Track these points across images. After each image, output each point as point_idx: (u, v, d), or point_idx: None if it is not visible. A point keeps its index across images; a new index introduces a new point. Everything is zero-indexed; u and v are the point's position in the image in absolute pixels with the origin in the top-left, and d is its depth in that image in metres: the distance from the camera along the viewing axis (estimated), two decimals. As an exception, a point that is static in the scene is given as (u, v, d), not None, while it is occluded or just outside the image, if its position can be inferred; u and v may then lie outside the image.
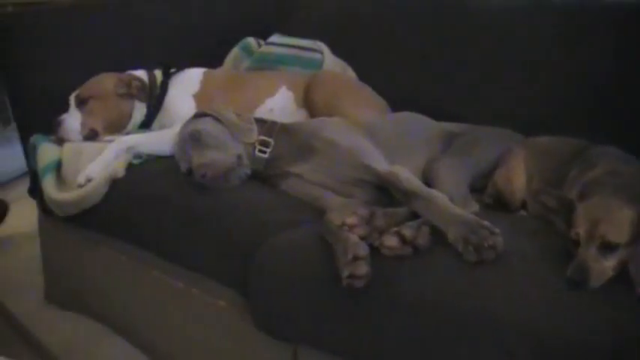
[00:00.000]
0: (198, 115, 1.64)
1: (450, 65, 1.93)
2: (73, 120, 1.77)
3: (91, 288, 1.93)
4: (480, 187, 1.51)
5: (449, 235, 1.14)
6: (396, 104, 1.93)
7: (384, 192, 1.42)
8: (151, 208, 1.56)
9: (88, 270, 1.90)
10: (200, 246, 1.45)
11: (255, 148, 1.58)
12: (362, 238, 1.16)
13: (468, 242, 1.09)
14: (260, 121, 1.65)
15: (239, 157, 1.53)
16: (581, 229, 1.06)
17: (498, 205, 1.45)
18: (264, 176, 1.57)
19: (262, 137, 1.58)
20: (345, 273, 1.09)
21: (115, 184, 1.64)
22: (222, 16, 2.27)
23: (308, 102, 1.84)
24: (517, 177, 1.43)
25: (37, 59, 1.89)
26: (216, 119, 1.60)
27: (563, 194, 1.18)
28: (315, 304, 1.19)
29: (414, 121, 1.72)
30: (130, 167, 1.68)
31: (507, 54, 1.85)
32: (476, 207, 1.32)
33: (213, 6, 2.27)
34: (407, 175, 1.35)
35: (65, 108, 1.85)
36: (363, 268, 1.09)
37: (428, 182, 1.41)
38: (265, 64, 2.08)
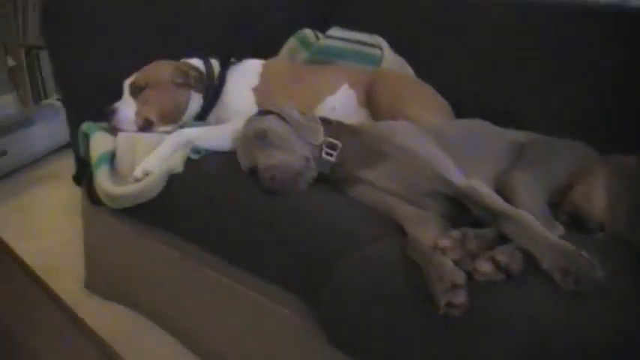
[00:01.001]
0: (262, 113, 1.57)
1: (514, 67, 1.86)
2: (127, 108, 1.71)
3: (136, 279, 1.89)
4: (553, 201, 1.45)
5: (544, 263, 1.08)
6: (456, 105, 1.87)
7: (456, 203, 1.36)
8: (214, 208, 1.50)
9: (134, 261, 1.85)
10: (269, 251, 1.39)
11: (322, 150, 1.51)
12: (454, 262, 1.10)
13: (566, 273, 1.04)
14: (324, 121, 1.59)
15: (307, 159, 1.47)
16: None
17: (574, 223, 1.38)
18: (329, 180, 1.51)
19: (329, 139, 1.52)
20: (443, 301, 1.03)
21: (172, 178, 1.58)
22: (277, 3, 2.19)
23: (371, 102, 1.77)
24: (598, 197, 1.36)
25: (87, 44, 1.80)
26: (282, 118, 1.54)
27: None
28: (397, 325, 1.13)
29: (482, 129, 1.65)
30: (187, 162, 1.61)
31: (574, 58, 1.77)
32: (561, 229, 1.26)
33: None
34: (487, 191, 1.29)
35: (116, 95, 1.78)
36: (461, 297, 1.04)
37: (503, 197, 1.35)
38: (324, 57, 2.01)
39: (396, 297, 1.15)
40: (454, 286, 1.04)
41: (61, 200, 2.71)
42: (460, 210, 1.36)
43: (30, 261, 1.94)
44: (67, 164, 2.96)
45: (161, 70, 1.75)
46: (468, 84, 1.92)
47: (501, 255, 1.09)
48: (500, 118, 1.76)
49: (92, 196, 1.80)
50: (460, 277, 1.05)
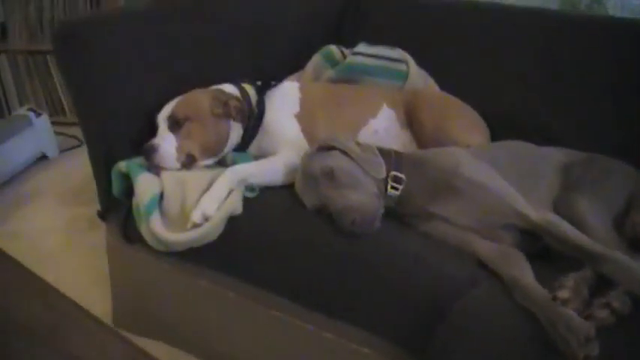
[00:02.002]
0: (322, 148, 1.53)
1: (542, 82, 1.88)
2: (168, 145, 1.61)
3: (177, 318, 1.82)
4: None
5: None
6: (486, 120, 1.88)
7: (527, 233, 1.38)
8: (286, 250, 1.46)
9: (176, 300, 1.78)
10: (360, 298, 1.37)
11: (386, 184, 1.49)
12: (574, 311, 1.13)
13: None
14: (382, 152, 1.56)
15: (378, 196, 1.44)
16: None
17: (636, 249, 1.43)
18: (395, 214, 1.49)
19: (394, 173, 1.50)
20: (581, 355, 1.05)
21: (231, 219, 1.52)
22: (294, 18, 2.12)
23: (414, 123, 1.76)
24: None
25: (108, 72, 1.68)
26: (344, 153, 1.50)
27: None
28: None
29: (527, 151, 1.66)
30: (244, 201, 1.55)
31: (606, 74, 1.81)
32: None
33: (286, 7, 2.11)
34: (568, 227, 1.33)
35: (145, 128, 1.70)
36: (596, 349, 1.06)
37: (570, 222, 1.38)
38: (350, 74, 1.97)
39: (515, 344, 1.15)
40: (587, 340, 1.06)
41: (54, 222, 2.57)
42: (532, 239, 1.38)
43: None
44: (47, 178, 2.84)
45: (200, 101, 1.66)
46: (495, 99, 1.93)
47: (617, 302, 1.13)
48: (531, 134, 1.80)
49: (127, 236, 1.72)
50: (592, 331, 1.07)
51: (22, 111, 3.01)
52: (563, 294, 1.15)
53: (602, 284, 1.21)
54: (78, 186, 2.82)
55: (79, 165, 2.73)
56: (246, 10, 2.02)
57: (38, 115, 3.01)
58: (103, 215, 1.82)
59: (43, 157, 3.11)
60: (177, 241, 1.50)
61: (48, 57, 3.30)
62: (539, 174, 1.57)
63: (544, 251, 1.37)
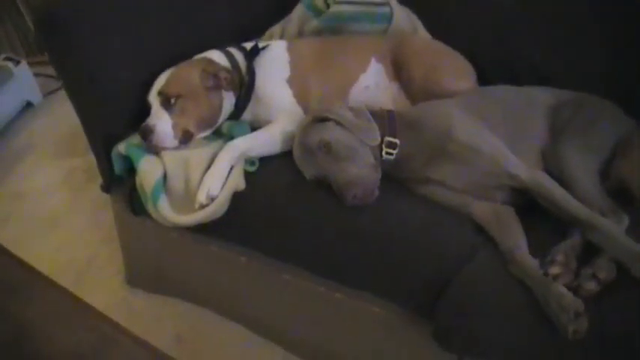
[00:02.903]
0: (317, 119, 1.56)
1: (532, 21, 1.86)
2: (164, 124, 1.62)
3: (191, 279, 1.92)
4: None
5: (633, 271, 1.21)
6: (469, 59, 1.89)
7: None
8: (292, 223, 1.53)
9: (188, 265, 1.88)
10: (368, 268, 1.45)
11: (381, 149, 1.54)
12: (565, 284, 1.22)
13: None
14: (374, 114, 1.58)
15: (375, 166, 1.49)
16: None
17: (620, 195, 1.47)
18: (393, 177, 1.55)
19: (388, 138, 1.54)
20: (570, 329, 1.16)
21: (236, 195, 1.57)
22: None
23: (402, 75, 1.77)
24: None
25: (95, 51, 1.66)
26: (339, 123, 1.53)
27: None
28: (515, 344, 1.26)
29: (515, 97, 1.69)
30: (246, 175, 1.60)
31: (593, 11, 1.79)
32: (627, 220, 1.36)
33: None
34: (555, 189, 1.40)
35: (135, 103, 1.70)
36: (585, 323, 1.16)
37: (557, 176, 1.45)
38: (336, 23, 1.95)
39: (516, 312, 1.26)
40: (577, 315, 1.17)
41: (53, 178, 2.61)
42: (523, 194, 1.45)
43: (53, 263, 1.93)
44: (36, 129, 2.84)
45: (189, 76, 1.66)
46: (482, 40, 1.91)
47: (602, 272, 1.23)
48: (521, 75, 1.82)
49: (134, 209, 1.78)
50: (581, 306, 1.17)
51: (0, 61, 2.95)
52: (554, 270, 1.24)
53: (590, 248, 1.30)
54: (68, 134, 2.83)
55: (65, 111, 2.70)
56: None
57: (17, 63, 2.96)
58: (107, 189, 1.86)
59: (28, 105, 3.08)
60: (186, 223, 1.56)
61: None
62: (529, 122, 1.61)
63: (535, 202, 1.44)
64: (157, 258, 1.94)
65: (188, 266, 1.88)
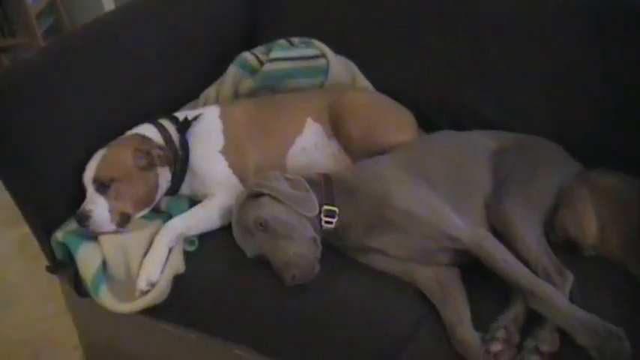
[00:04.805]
0: (252, 195, 1.53)
1: (473, 63, 1.86)
2: (100, 209, 1.59)
3: (144, 355, 1.89)
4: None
5: (578, 339, 1.21)
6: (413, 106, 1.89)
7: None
8: (234, 304, 1.51)
9: (141, 341, 1.85)
10: (311, 350, 1.43)
11: (320, 220, 1.51)
12: None
13: (602, 352, 1.17)
14: (310, 182, 1.56)
15: (315, 239, 1.47)
16: None
17: (566, 245, 1.48)
18: (333, 246, 1.53)
19: (327, 207, 1.52)
20: None
21: (178, 279, 1.55)
22: (207, 32, 2.04)
23: (341, 134, 1.75)
24: (588, 223, 1.46)
25: (32, 138, 1.63)
26: (275, 198, 1.51)
27: None
28: None
29: (456, 145, 1.68)
30: (186, 256, 1.58)
31: (532, 52, 1.79)
32: (571, 277, 1.35)
33: (196, 22, 2.02)
34: (497, 250, 1.38)
35: (72, 186, 1.67)
36: None
37: (501, 232, 1.44)
38: (271, 81, 1.93)
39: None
40: None
41: (6, 248, 2.55)
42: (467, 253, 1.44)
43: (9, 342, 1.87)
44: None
45: (122, 157, 1.63)
46: (423, 84, 1.92)
47: (544, 345, 1.22)
48: (463, 119, 1.81)
49: (80, 290, 1.74)
50: None
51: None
52: (495, 347, 1.23)
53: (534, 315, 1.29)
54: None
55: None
56: (157, 36, 1.95)
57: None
58: (52, 270, 1.82)
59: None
60: (128, 310, 1.54)
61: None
62: (472, 171, 1.60)
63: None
64: (110, 336, 1.91)
65: (141, 344, 1.85)
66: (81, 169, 1.66)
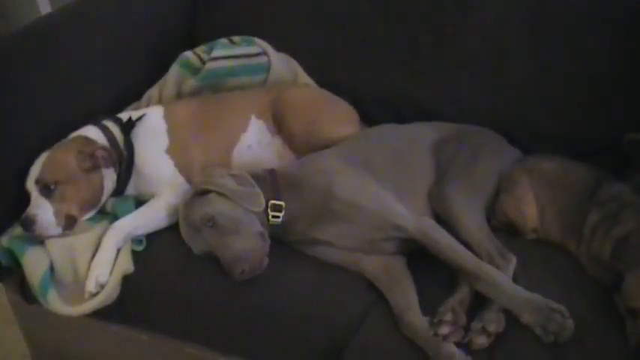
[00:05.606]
0: (198, 193, 1.55)
1: (410, 55, 1.91)
2: (44, 213, 1.57)
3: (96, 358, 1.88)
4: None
5: (522, 318, 1.27)
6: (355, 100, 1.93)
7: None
8: (184, 302, 1.53)
9: (91, 344, 1.83)
10: (264, 341, 1.47)
11: (267, 214, 1.54)
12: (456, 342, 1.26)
13: (546, 329, 1.23)
14: (255, 177, 1.58)
15: (262, 234, 1.50)
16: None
17: (508, 230, 1.55)
18: (280, 240, 1.56)
19: (273, 202, 1.54)
20: None
21: (127, 279, 1.55)
22: (147, 32, 2.04)
23: (283, 130, 1.78)
24: (528, 207, 1.52)
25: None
26: (220, 194, 1.53)
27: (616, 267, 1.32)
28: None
29: (398, 138, 1.73)
30: (134, 255, 1.58)
31: (480, 46, 1.85)
32: (514, 259, 1.40)
33: (136, 22, 2.02)
34: (441, 237, 1.43)
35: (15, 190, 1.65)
36: None
37: (445, 219, 1.50)
38: (213, 80, 1.94)
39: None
40: None
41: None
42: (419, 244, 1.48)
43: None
44: None
45: (66, 159, 1.62)
46: (364, 78, 1.95)
47: (491, 325, 1.27)
48: (405, 111, 1.86)
49: (27, 296, 1.73)
50: None
51: None
52: (443, 330, 1.27)
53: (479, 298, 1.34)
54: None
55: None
56: (98, 37, 1.94)
57: None
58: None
59: None
60: (78, 313, 1.54)
61: None
62: (414, 162, 1.65)
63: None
64: (60, 341, 1.88)
65: (92, 347, 1.83)
66: (23, 173, 1.64)
